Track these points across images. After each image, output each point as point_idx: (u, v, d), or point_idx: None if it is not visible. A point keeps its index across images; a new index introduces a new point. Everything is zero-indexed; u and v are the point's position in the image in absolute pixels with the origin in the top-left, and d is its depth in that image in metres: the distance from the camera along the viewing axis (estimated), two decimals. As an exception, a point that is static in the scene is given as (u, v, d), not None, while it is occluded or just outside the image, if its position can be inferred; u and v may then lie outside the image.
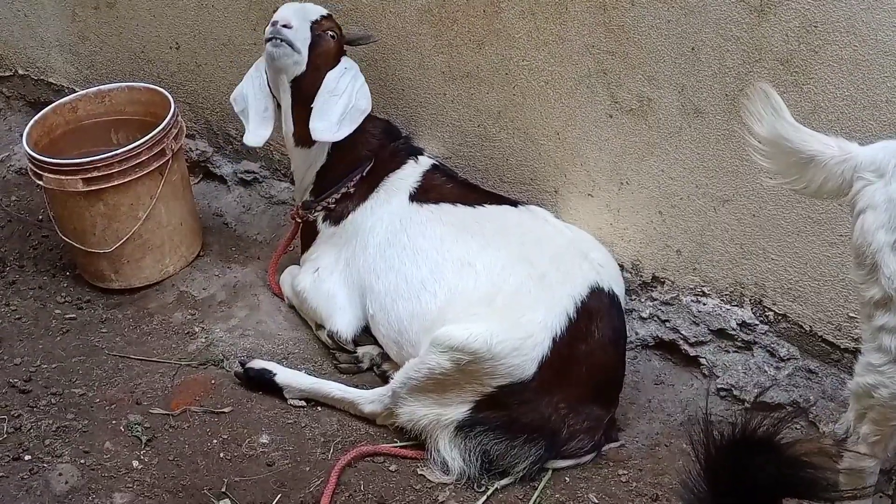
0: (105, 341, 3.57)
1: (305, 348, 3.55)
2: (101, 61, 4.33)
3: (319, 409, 3.31)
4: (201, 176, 4.25)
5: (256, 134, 3.53)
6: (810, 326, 3.18)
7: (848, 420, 2.79)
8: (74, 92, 4.08)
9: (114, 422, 3.23)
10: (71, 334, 3.60)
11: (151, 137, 3.61)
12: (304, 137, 3.49)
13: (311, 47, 3.37)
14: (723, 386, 3.27)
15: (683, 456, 3.00)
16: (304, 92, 3.41)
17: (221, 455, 3.14)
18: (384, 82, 3.61)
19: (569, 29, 3.22)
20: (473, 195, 3.47)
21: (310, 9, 3.42)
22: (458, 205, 3.41)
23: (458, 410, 3.05)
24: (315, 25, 3.38)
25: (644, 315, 3.42)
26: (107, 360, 3.49)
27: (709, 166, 3.15)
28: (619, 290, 3.26)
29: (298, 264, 3.69)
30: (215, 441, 3.18)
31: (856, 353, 2.77)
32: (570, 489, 3.02)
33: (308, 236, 3.66)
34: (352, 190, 3.53)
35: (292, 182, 3.92)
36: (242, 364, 3.38)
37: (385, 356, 3.43)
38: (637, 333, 3.42)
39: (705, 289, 3.32)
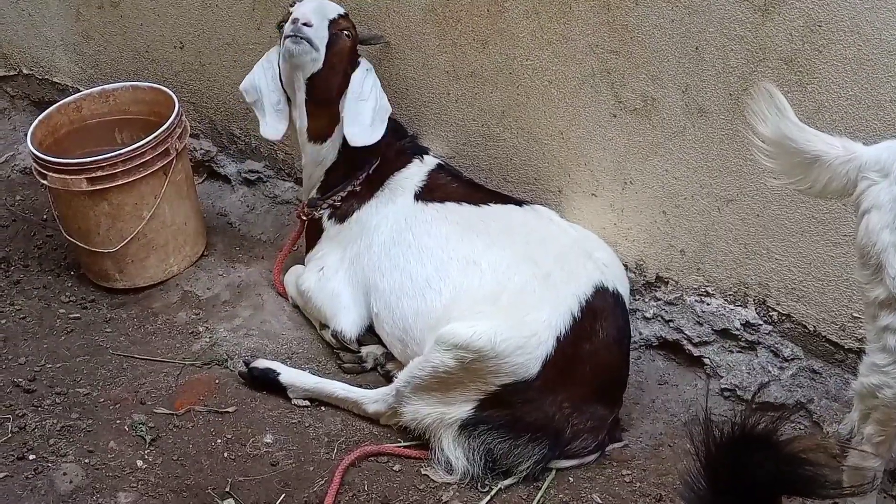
0: (109, 341, 3.57)
1: (309, 348, 3.55)
2: (105, 61, 4.33)
3: (323, 408, 3.31)
4: (205, 175, 4.25)
5: (274, 127, 3.53)
6: (814, 326, 3.17)
7: (852, 420, 2.80)
8: (79, 91, 4.09)
9: (118, 421, 3.23)
10: (75, 334, 3.61)
11: (155, 137, 3.62)
12: (317, 133, 3.50)
13: (329, 46, 3.37)
14: (726, 386, 3.27)
15: (687, 456, 2.98)
16: (318, 88, 3.42)
17: (225, 455, 3.14)
18: (388, 81, 3.61)
19: (573, 28, 3.21)
20: (478, 194, 3.48)
21: (328, 7, 3.42)
22: (464, 204, 3.42)
23: (461, 409, 3.05)
24: (332, 24, 3.39)
25: (648, 315, 3.41)
26: (111, 359, 3.49)
27: (713, 166, 3.15)
28: (624, 289, 3.26)
29: (302, 264, 3.69)
30: (219, 441, 3.18)
31: (860, 353, 2.76)
32: (573, 489, 3.02)
33: (313, 235, 3.66)
34: (358, 188, 3.54)
35: (297, 182, 3.92)
36: (246, 364, 3.38)
37: (389, 356, 3.43)
38: (641, 333, 3.42)
39: (709, 289, 3.31)
